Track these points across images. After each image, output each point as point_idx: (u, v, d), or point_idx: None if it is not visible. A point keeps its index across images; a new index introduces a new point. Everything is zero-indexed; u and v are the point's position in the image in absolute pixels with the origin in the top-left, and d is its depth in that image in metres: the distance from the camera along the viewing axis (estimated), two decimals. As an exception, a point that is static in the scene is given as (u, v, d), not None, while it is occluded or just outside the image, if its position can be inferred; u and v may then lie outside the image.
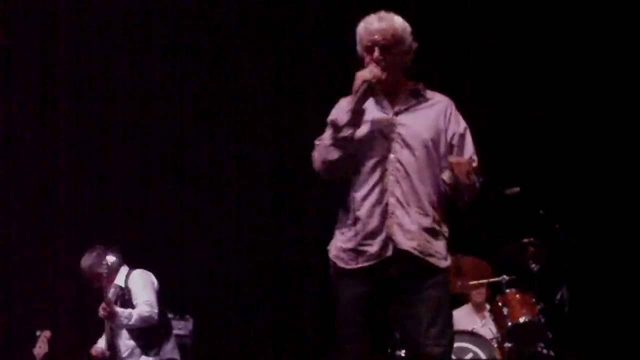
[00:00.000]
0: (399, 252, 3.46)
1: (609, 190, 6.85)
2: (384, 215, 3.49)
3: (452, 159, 3.46)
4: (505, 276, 5.84)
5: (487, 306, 6.04)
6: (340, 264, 3.56)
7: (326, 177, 3.54)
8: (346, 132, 3.44)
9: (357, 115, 3.45)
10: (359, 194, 3.52)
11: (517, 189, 5.71)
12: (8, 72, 6.52)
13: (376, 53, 3.47)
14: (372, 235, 3.49)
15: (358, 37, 3.52)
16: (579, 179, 6.87)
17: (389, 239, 3.48)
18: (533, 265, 5.73)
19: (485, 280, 5.99)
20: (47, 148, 6.58)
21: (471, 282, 5.96)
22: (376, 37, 3.48)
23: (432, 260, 3.50)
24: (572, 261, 5.80)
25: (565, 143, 6.94)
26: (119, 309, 5.24)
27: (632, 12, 6.82)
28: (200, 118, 6.85)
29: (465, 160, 3.46)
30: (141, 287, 5.37)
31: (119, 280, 5.43)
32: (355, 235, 3.51)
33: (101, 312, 5.18)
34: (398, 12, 3.54)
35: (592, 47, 6.90)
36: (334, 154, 3.47)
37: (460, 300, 6.10)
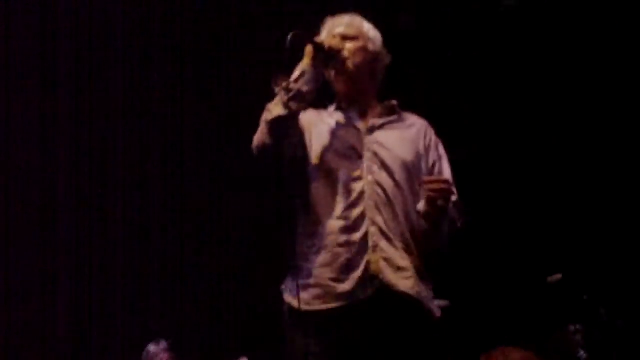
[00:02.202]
0: (387, 294, 2.93)
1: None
2: (363, 247, 2.96)
3: (427, 177, 3.01)
4: (553, 365, 5.70)
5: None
6: (300, 306, 2.95)
7: (262, 164, 3.04)
8: (281, 110, 2.94)
9: (301, 86, 2.95)
10: (326, 219, 2.98)
11: (559, 276, 5.61)
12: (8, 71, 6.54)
13: (337, 39, 3.12)
14: (345, 270, 2.94)
15: (323, 33, 3.19)
16: (622, 261, 6.75)
17: (371, 277, 2.93)
18: (582, 353, 5.58)
19: (533, 372, 5.85)
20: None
21: (520, 375, 5.82)
22: (341, 29, 3.17)
23: (428, 306, 3.00)
24: (621, 346, 5.65)
25: (605, 225, 6.84)
26: None
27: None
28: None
29: (442, 179, 2.99)
30: None
31: None
32: (321, 268, 2.95)
33: None
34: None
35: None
36: (267, 137, 2.95)
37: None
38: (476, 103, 6.68)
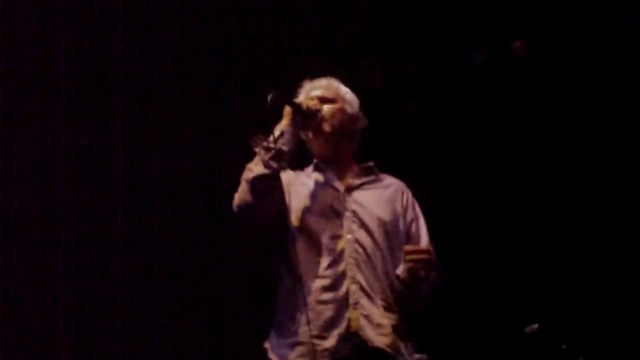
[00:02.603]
0: (365, 350, 3.02)
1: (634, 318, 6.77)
2: (344, 304, 3.03)
3: (409, 247, 3.05)
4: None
5: None
6: None
7: (243, 222, 3.13)
8: (262, 169, 3.01)
9: (280, 145, 3.01)
10: (308, 277, 3.04)
11: (535, 326, 5.64)
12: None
13: (315, 101, 3.19)
14: (327, 327, 3.01)
15: (300, 94, 3.28)
16: (601, 310, 6.79)
17: (351, 334, 3.01)
18: (560, 404, 5.62)
19: None
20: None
21: None
22: (319, 91, 3.26)
23: None
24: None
25: (583, 274, 6.89)
26: None
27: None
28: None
29: (424, 249, 3.05)
30: None
31: None
32: (304, 326, 3.02)
33: None
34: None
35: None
36: (248, 196, 3.01)
37: None
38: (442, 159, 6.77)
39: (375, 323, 3.05)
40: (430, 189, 3.61)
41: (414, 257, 3.00)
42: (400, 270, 3.09)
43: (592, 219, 6.79)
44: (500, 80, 6.77)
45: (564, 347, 5.73)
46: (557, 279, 6.86)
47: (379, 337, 3.04)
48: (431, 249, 3.13)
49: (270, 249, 3.17)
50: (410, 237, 3.21)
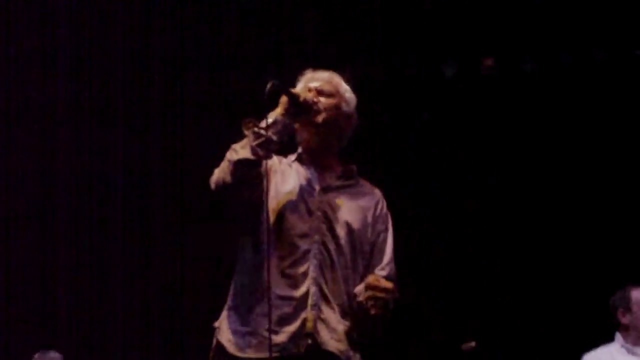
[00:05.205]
0: (317, 352, 2.97)
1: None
2: (302, 304, 2.99)
3: (374, 280, 2.95)
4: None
5: None
6: (231, 350, 3.00)
7: (218, 200, 3.05)
8: (248, 154, 2.94)
9: (271, 134, 2.95)
10: (271, 268, 2.97)
11: (473, 343, 5.68)
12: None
13: (313, 93, 3.12)
14: (281, 322, 2.96)
15: (299, 83, 3.21)
16: (537, 331, 6.86)
17: (305, 335, 2.97)
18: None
19: None
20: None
21: None
22: (318, 83, 3.17)
23: None
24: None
25: (520, 293, 6.96)
26: None
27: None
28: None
29: (387, 288, 2.93)
30: None
31: None
32: (259, 317, 2.96)
33: None
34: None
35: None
36: (228, 177, 2.96)
37: None
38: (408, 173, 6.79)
39: (331, 327, 3.01)
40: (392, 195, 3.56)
41: (370, 293, 2.92)
42: (359, 290, 3.04)
43: (534, 244, 6.88)
44: (470, 95, 6.84)
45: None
46: (496, 301, 6.93)
47: (333, 342, 3.00)
48: (392, 265, 3.14)
49: (238, 232, 3.12)
50: (375, 248, 3.15)
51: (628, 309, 5.02)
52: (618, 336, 5.07)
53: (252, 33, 6.70)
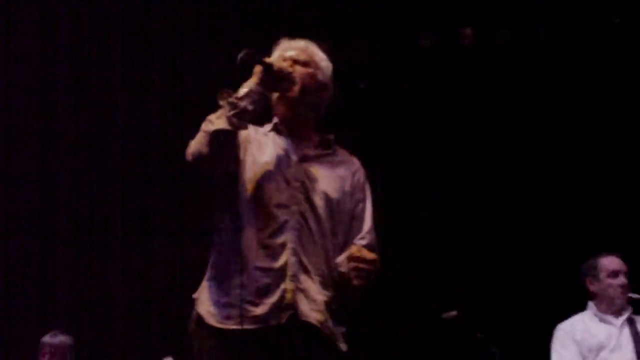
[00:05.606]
0: (297, 323, 2.96)
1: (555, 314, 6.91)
2: (281, 275, 2.97)
3: (357, 251, 2.97)
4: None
5: None
6: (211, 321, 2.99)
7: (195, 171, 3.03)
8: (224, 124, 2.93)
9: (246, 104, 2.93)
10: (249, 241, 2.98)
11: (454, 313, 5.71)
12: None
13: (288, 62, 3.10)
14: (260, 294, 2.96)
15: (275, 52, 3.18)
16: (519, 305, 6.90)
17: (285, 306, 2.96)
18: (471, 389, 5.72)
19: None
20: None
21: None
22: (294, 52, 3.14)
23: (336, 340, 3.04)
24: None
25: (504, 268, 7.00)
26: None
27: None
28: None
29: (371, 259, 2.95)
30: None
31: None
32: (237, 289, 2.95)
33: None
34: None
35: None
36: (204, 148, 2.94)
37: None
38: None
39: (311, 298, 3.00)
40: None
41: (353, 265, 2.94)
42: (341, 260, 3.04)
43: (512, 213, 6.91)
44: (448, 65, 6.84)
45: (479, 335, 5.83)
46: (481, 271, 6.97)
47: (313, 313, 3.00)
48: (370, 223, 3.13)
49: (216, 203, 3.11)
50: (354, 217, 3.14)
51: (596, 277, 5.05)
52: (590, 305, 5.11)
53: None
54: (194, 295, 3.08)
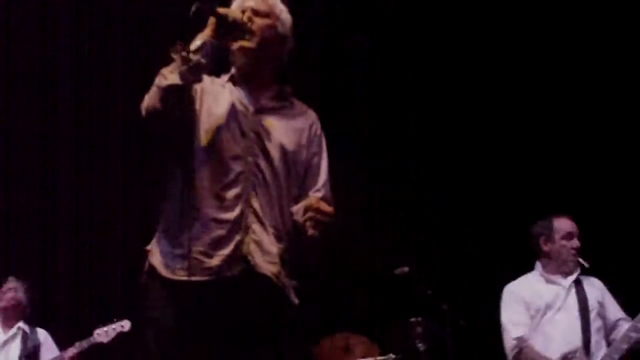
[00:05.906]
0: (251, 275, 2.94)
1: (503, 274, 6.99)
2: (236, 226, 2.94)
3: (315, 202, 2.91)
4: (392, 355, 5.86)
5: (374, 383, 6.05)
6: (163, 272, 2.94)
7: (149, 126, 2.97)
8: (177, 79, 2.85)
9: (200, 57, 2.87)
10: (203, 192, 2.93)
11: (406, 269, 5.74)
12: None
13: (247, 13, 3.04)
14: (215, 246, 2.92)
15: (234, 3, 3.12)
16: (469, 260, 6.97)
17: (239, 257, 2.93)
18: (420, 345, 5.76)
19: (372, 359, 6.01)
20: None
21: (358, 360, 5.98)
22: (252, 3, 3.08)
23: (288, 292, 3.03)
24: (460, 343, 5.85)
25: (456, 227, 7.05)
26: None
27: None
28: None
29: (327, 212, 2.91)
30: None
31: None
32: (191, 240, 2.90)
33: None
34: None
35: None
36: (158, 103, 2.88)
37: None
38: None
39: (265, 249, 2.98)
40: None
41: (310, 215, 2.88)
42: (296, 209, 3.00)
43: (461, 173, 6.96)
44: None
45: (429, 292, 5.89)
46: (433, 229, 7.03)
47: (266, 265, 2.97)
48: (327, 186, 3.10)
49: (170, 154, 3.06)
50: (310, 169, 3.12)
51: (550, 237, 5.09)
52: (538, 265, 5.15)
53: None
54: (147, 247, 3.04)
